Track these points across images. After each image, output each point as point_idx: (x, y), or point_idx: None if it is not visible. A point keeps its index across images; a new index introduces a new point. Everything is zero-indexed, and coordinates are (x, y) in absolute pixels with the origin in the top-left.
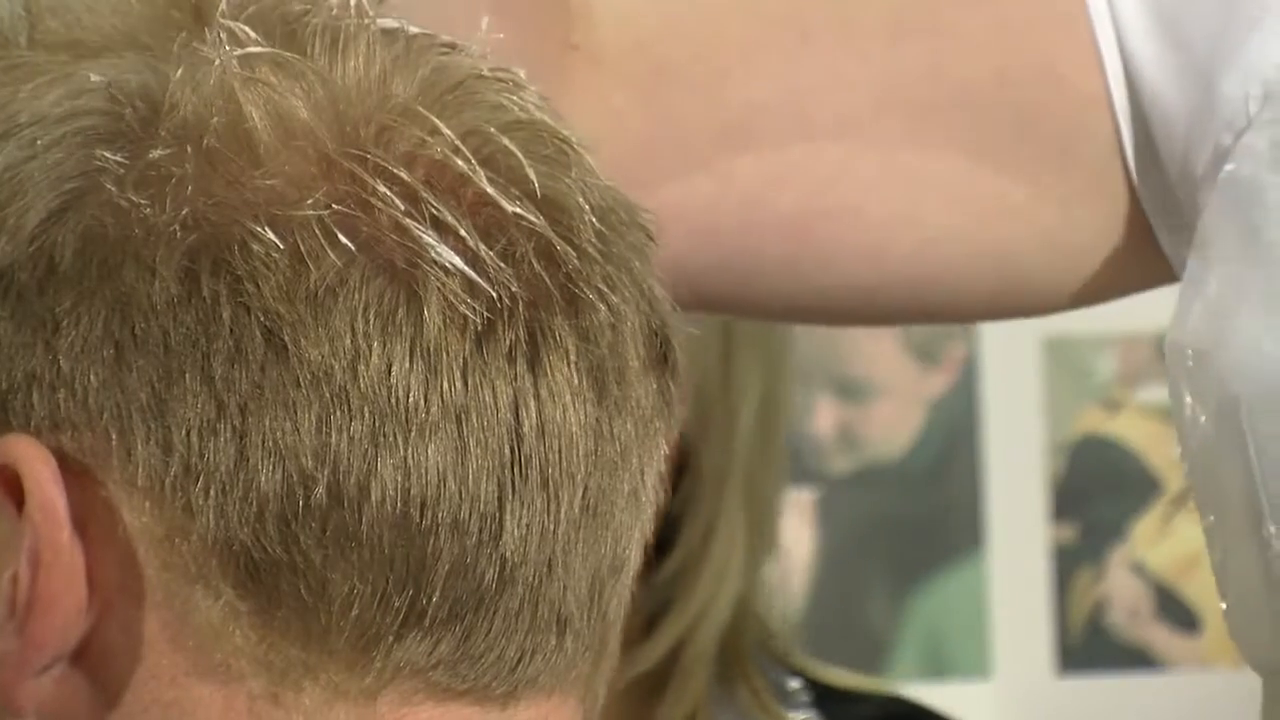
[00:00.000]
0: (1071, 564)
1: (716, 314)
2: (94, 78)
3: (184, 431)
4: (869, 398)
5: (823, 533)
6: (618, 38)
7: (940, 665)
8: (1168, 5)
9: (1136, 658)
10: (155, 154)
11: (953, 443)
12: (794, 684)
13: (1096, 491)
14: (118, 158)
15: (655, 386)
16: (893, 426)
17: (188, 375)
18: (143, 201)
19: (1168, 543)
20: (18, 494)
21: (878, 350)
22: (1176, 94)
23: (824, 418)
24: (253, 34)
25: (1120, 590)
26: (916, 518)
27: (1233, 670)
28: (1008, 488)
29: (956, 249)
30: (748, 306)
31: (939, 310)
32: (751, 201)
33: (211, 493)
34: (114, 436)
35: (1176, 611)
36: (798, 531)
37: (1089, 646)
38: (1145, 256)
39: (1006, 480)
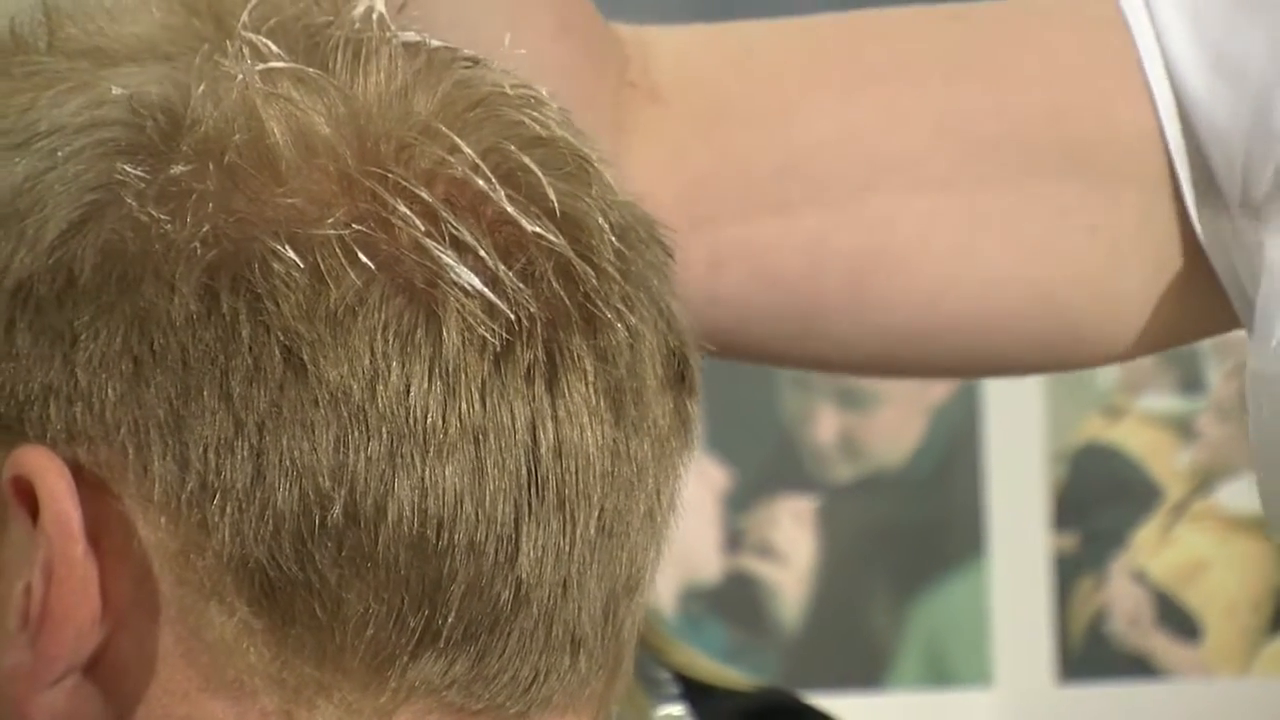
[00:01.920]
0: (1072, 572)
1: (776, 365)
2: (115, 90)
3: (201, 448)
4: (870, 406)
5: (824, 540)
6: (677, 74)
7: (941, 673)
8: (1216, 36)
9: (1137, 666)
10: (176, 169)
11: (954, 451)
12: (661, 674)
13: (1098, 500)
14: (138, 171)
15: (672, 406)
16: (894, 434)
17: (206, 392)
18: (163, 216)
19: (1169, 551)
20: (32, 506)
21: None
22: (1231, 122)
23: (825, 425)
24: (275, 48)
25: (1121, 598)
26: (918, 525)
27: (1234, 678)
28: (1009, 496)
29: (1011, 291)
30: (808, 356)
31: (996, 360)
32: (812, 240)
33: (228, 510)
34: (130, 451)
35: (1177, 620)
36: (799, 539)
37: (1090, 655)
38: (1201, 303)
39: (1008, 488)
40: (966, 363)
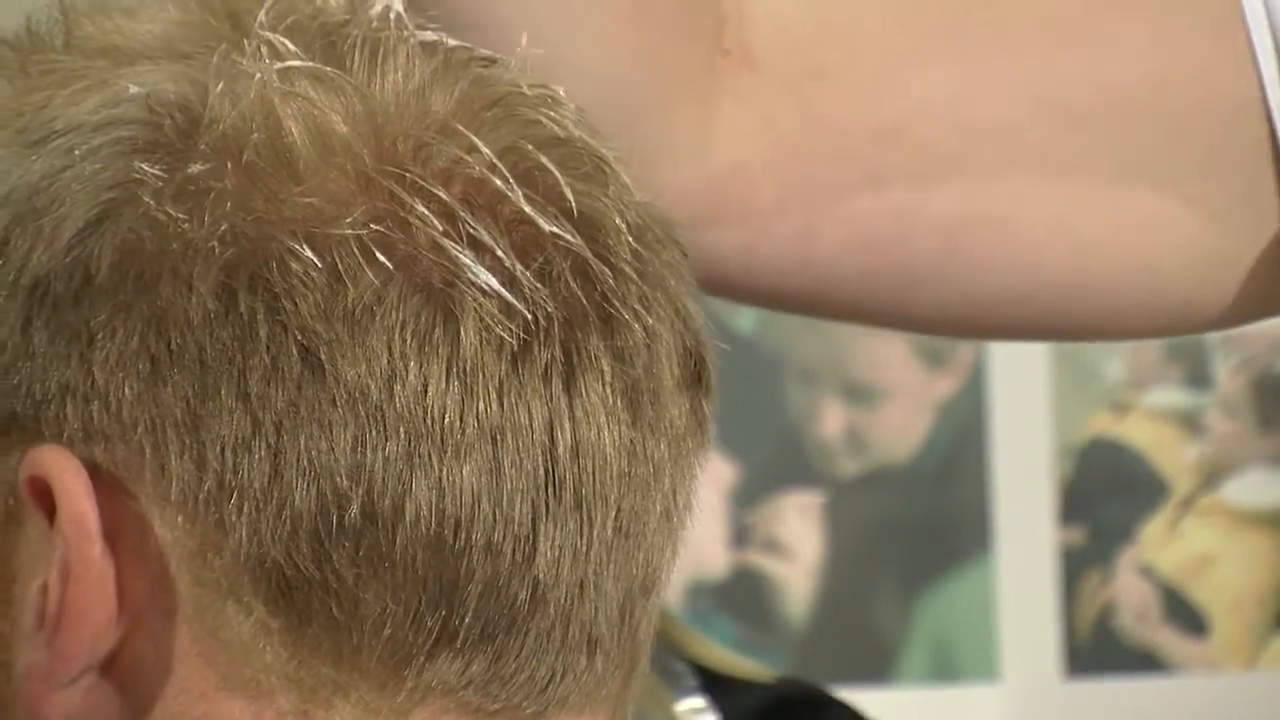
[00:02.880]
0: (1080, 567)
1: (867, 325)
2: (132, 88)
3: (218, 447)
4: (877, 400)
5: (831, 535)
6: (773, 41)
7: (948, 668)
8: None
9: (1145, 661)
10: (194, 168)
11: (961, 445)
12: (679, 666)
13: (1105, 494)
14: (156, 170)
15: (689, 406)
16: (901, 429)
17: (223, 391)
18: (181, 215)
19: (1176, 545)
20: (49, 505)
21: (886, 353)
22: None
23: (832, 420)
24: (292, 46)
25: (1128, 593)
26: (925, 520)
27: (1241, 673)
28: (1016, 491)
29: (1107, 260)
30: (898, 317)
31: (1090, 326)
32: (906, 208)
33: (245, 509)
34: (148, 450)
35: (1185, 614)
36: (805, 534)
37: (1097, 649)
38: None
39: (1015, 483)
40: (1061, 327)
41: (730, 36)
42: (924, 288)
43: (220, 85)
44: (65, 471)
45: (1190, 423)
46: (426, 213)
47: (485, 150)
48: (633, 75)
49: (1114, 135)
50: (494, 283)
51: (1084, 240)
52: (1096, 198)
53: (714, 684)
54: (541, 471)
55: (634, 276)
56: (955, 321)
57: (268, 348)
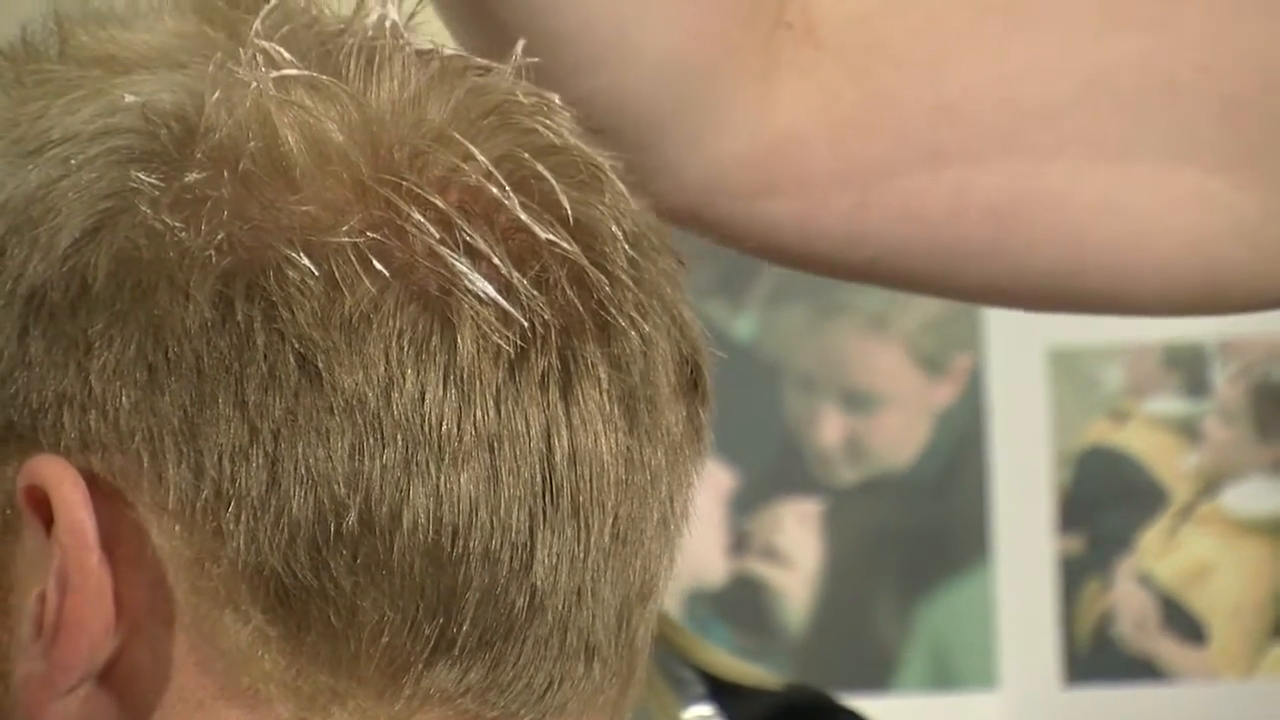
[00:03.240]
0: (1078, 575)
1: (914, 293)
2: (128, 98)
3: (216, 456)
4: (875, 408)
5: (829, 543)
6: (835, 15)
7: (947, 676)
8: None
9: (1143, 669)
10: (191, 177)
11: (959, 453)
12: (686, 673)
13: (1103, 502)
14: (152, 179)
15: (686, 414)
16: (899, 437)
17: (220, 400)
18: (177, 224)
19: (1175, 554)
20: (46, 515)
21: (884, 361)
22: None
23: (830, 428)
24: (287, 55)
25: (1127, 601)
26: (923, 528)
27: (1239, 681)
28: (1014, 499)
29: (1157, 241)
30: (947, 289)
31: (1138, 304)
32: (960, 186)
33: (243, 518)
34: (145, 459)
35: (1183, 622)
36: (804, 542)
37: (1096, 658)
38: None
39: (1013, 491)
40: (1109, 305)
41: (792, 10)
42: (974, 263)
43: (216, 94)
44: (63, 481)
45: (1189, 431)
46: (423, 220)
47: (481, 158)
48: (694, 57)
49: (1166, 117)
50: (491, 290)
51: (1134, 222)
52: (1148, 179)
53: (721, 691)
54: (539, 479)
55: (630, 284)
56: (1003, 294)
57: (265, 356)
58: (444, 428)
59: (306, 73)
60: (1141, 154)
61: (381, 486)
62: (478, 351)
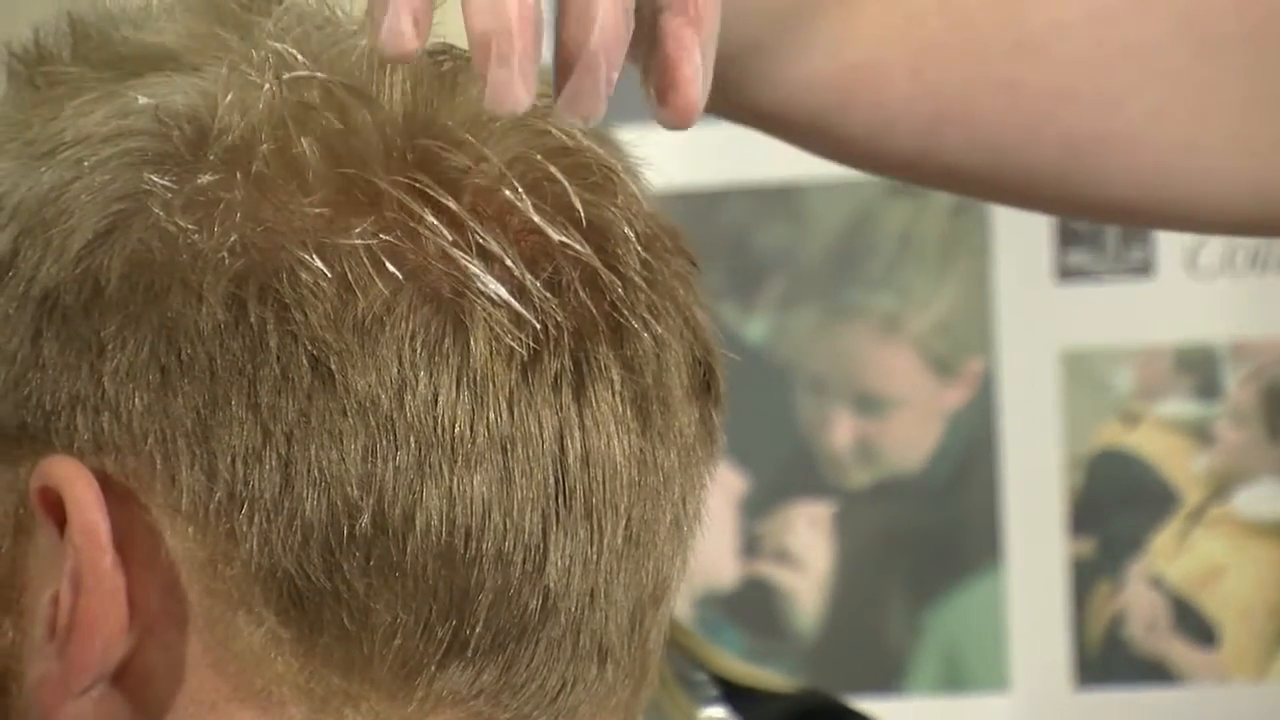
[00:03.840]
0: (1089, 577)
1: (966, 195)
2: (141, 99)
3: (229, 458)
4: (887, 411)
5: (840, 546)
6: None
7: (958, 679)
8: None
9: (1154, 671)
10: (204, 179)
11: (971, 456)
12: (700, 677)
13: (1115, 505)
14: (165, 181)
15: (698, 415)
16: (910, 440)
17: (234, 402)
18: (190, 226)
19: (1186, 556)
20: (59, 516)
21: (896, 364)
22: None
23: (841, 431)
24: (300, 56)
25: (1138, 604)
26: (934, 531)
27: (1251, 684)
28: (1026, 501)
29: (1230, 186)
30: (1013, 202)
31: (1202, 229)
32: (1036, 118)
33: (256, 520)
34: (158, 461)
35: (1195, 625)
36: (815, 545)
37: (1107, 660)
38: None
39: (1025, 494)
40: (1172, 228)
41: None
42: (1043, 188)
43: (229, 96)
44: (76, 482)
45: (1200, 433)
46: (436, 223)
47: (494, 160)
48: None
49: (1249, 63)
50: (503, 292)
51: (1208, 164)
52: (1226, 123)
53: (735, 695)
54: (552, 481)
55: (643, 286)
56: (1070, 212)
57: (278, 358)
58: (457, 429)
59: (319, 74)
60: (1224, 98)
61: (395, 488)
62: (491, 353)
